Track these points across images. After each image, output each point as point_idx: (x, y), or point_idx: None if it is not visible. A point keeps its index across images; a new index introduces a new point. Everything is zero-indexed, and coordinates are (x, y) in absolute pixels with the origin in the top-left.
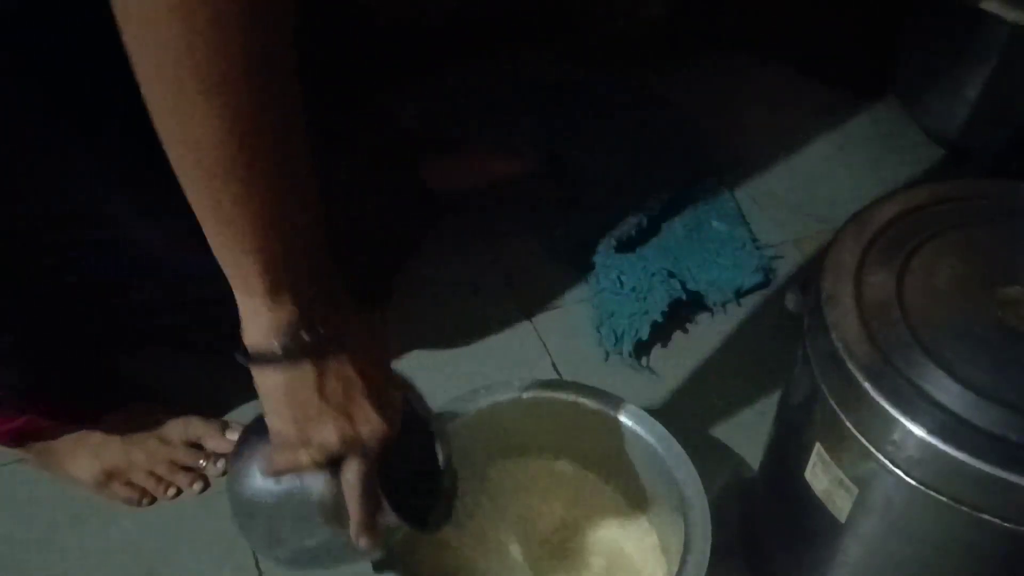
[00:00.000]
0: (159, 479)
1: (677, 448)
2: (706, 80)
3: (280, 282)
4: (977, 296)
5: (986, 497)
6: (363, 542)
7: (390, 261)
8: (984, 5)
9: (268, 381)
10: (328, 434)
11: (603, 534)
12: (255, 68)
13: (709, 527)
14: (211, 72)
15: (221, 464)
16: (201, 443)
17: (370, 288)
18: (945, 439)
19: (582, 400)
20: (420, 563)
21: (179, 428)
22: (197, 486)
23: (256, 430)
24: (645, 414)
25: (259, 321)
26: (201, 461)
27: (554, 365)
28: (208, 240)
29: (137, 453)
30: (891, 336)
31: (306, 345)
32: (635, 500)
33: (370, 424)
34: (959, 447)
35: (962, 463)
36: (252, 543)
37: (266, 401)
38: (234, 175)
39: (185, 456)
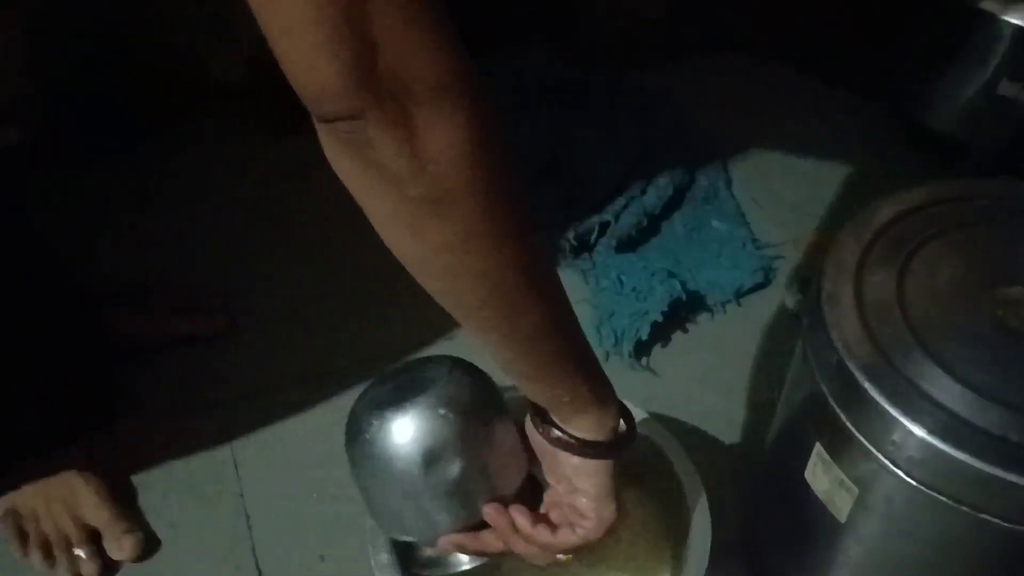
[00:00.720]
0: (45, 546)
1: (678, 447)
2: (706, 80)
3: (596, 382)
4: (977, 296)
5: (986, 497)
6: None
7: (74, 407)
8: (984, 5)
9: (607, 471)
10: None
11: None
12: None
13: (709, 527)
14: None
15: (95, 567)
16: (100, 533)
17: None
18: (945, 439)
19: None
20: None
21: (90, 509)
22: (66, 574)
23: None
24: (645, 414)
25: (600, 419)
26: (82, 553)
27: None
28: (529, 387)
29: (43, 509)
30: (891, 336)
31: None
32: (635, 499)
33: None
34: (959, 447)
35: (962, 463)
36: (366, 484)
37: (603, 489)
38: (548, 337)
39: (77, 540)
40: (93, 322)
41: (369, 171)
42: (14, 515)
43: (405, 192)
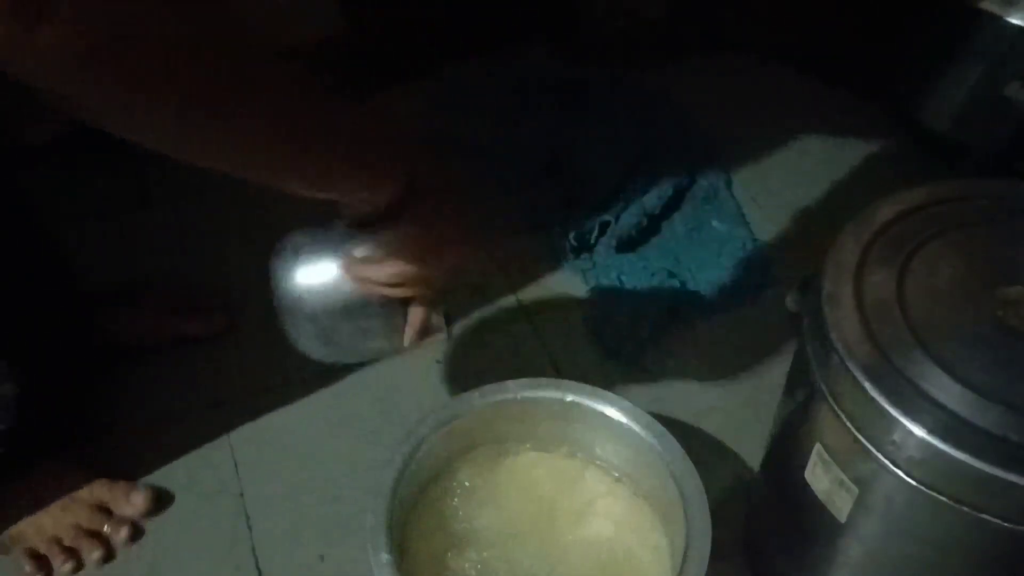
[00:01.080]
0: (62, 548)
1: (677, 448)
2: (706, 80)
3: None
4: (977, 296)
5: (986, 497)
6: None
7: (56, 409)
8: (984, 5)
9: (389, 237)
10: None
11: (603, 532)
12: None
13: (709, 526)
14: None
15: (125, 531)
16: (108, 507)
17: (43, 435)
18: (945, 439)
19: (582, 400)
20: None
21: (85, 491)
22: (97, 554)
23: (302, 246)
24: (645, 414)
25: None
26: (106, 527)
27: (554, 365)
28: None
29: (43, 517)
30: (891, 336)
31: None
32: (635, 499)
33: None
34: (959, 447)
35: (962, 463)
36: (298, 334)
37: (392, 252)
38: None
39: (91, 521)
40: (92, 323)
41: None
42: (20, 540)
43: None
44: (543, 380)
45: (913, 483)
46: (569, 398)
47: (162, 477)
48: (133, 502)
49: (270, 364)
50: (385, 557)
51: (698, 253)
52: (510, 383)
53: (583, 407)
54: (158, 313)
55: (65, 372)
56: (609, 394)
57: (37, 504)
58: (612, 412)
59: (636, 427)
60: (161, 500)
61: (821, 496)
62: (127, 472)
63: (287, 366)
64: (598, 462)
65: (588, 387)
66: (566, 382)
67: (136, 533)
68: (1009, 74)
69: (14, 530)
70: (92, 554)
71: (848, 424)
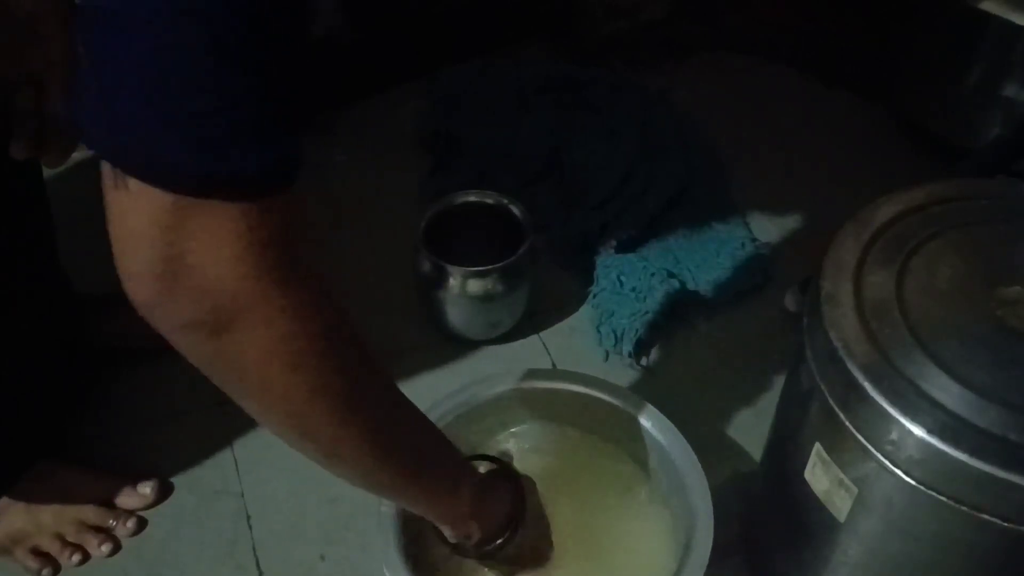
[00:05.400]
0: (65, 543)
1: (683, 444)
2: (706, 80)
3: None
4: (977, 296)
5: (986, 497)
6: None
7: (46, 415)
8: (984, 5)
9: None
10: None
11: (605, 528)
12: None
13: (711, 527)
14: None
15: (132, 523)
16: (113, 501)
17: (32, 441)
18: (945, 439)
19: (592, 392)
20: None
21: (88, 486)
22: (106, 548)
23: None
24: (653, 408)
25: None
26: (111, 521)
27: (554, 364)
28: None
29: (43, 515)
30: (891, 336)
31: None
32: (639, 496)
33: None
34: (959, 447)
35: (962, 463)
36: None
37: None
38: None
39: (95, 516)
40: (92, 325)
41: (178, 344)
42: (22, 540)
43: (204, 367)
44: (552, 370)
45: (912, 483)
46: (577, 390)
47: (163, 476)
48: (141, 492)
49: None
50: None
51: (698, 253)
52: (516, 373)
53: (593, 399)
54: None
55: (64, 374)
56: (618, 387)
57: (36, 503)
58: (621, 405)
59: (645, 423)
60: (166, 491)
61: (821, 496)
62: (128, 472)
63: None
64: (603, 456)
65: (599, 380)
66: (577, 374)
67: (140, 525)
68: (1009, 75)
69: (15, 531)
70: (99, 548)
71: (848, 424)
